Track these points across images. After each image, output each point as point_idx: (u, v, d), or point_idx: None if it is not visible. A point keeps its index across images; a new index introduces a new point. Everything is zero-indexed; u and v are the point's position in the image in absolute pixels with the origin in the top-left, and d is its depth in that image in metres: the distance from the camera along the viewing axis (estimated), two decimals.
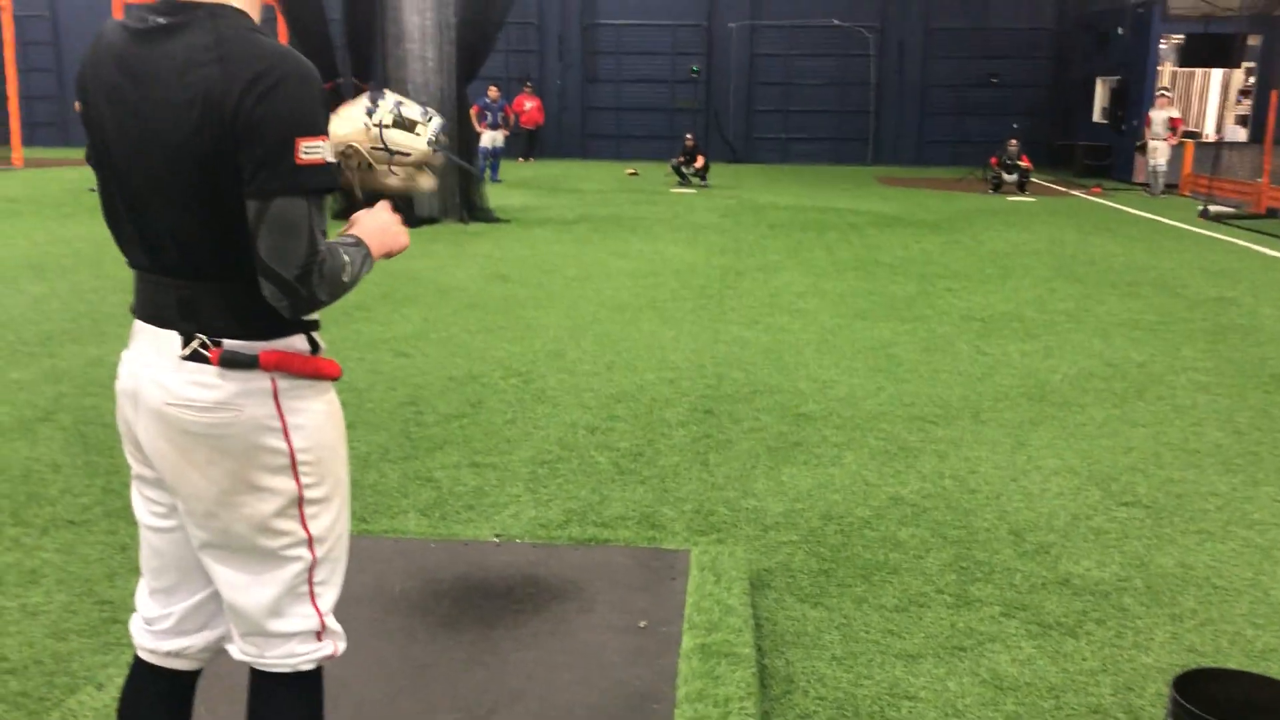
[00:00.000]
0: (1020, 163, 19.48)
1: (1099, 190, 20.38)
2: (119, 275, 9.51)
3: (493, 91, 21.26)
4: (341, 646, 1.98)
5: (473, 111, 21.04)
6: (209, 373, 1.75)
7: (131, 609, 2.83)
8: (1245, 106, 23.30)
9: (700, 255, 11.40)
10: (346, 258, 1.77)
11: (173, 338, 1.77)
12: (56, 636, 3.27)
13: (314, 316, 1.83)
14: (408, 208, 13.62)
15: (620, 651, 2.99)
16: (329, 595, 1.95)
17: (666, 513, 4.29)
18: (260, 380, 1.77)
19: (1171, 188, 19.81)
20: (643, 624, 3.16)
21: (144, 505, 1.98)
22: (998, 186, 19.76)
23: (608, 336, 7.41)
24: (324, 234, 1.74)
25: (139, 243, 1.81)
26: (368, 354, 6.81)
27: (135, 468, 1.95)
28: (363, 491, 4.44)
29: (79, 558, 3.83)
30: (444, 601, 3.29)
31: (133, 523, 4.04)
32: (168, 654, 1.99)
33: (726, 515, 4.28)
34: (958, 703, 2.97)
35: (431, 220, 13.78)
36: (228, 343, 1.75)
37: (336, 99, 11.95)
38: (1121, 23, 23.05)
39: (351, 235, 1.87)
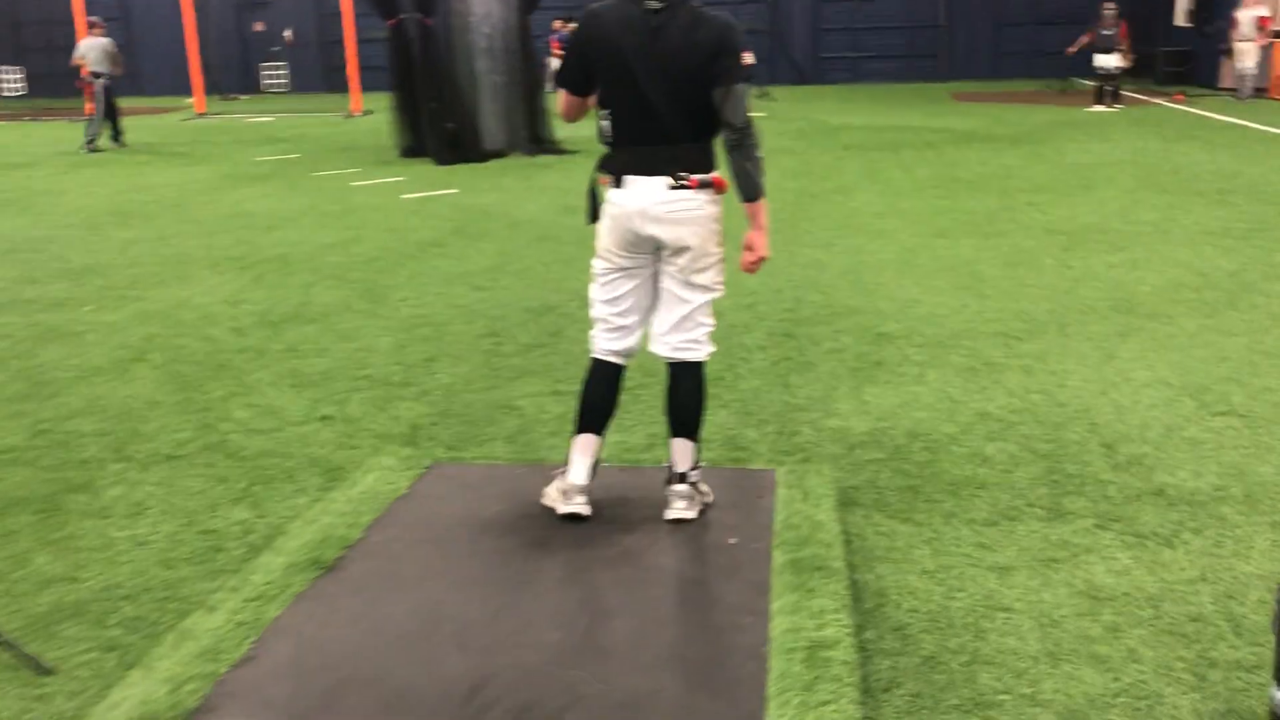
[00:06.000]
0: (1119, 37, 17.82)
1: (1181, 97, 19.64)
2: (201, 219, 9.70)
3: (565, 25, 21.09)
4: (713, 350, 3.44)
5: (554, 45, 21.16)
6: (689, 191, 3.21)
7: (233, 538, 3.58)
8: None
9: (772, 178, 11.13)
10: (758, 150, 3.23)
11: (662, 180, 3.19)
12: (165, 565, 3.39)
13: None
14: (474, 141, 13.63)
15: (712, 567, 3.02)
16: (712, 320, 3.43)
17: (750, 434, 4.29)
18: (714, 192, 3.26)
19: (1260, 91, 19.01)
20: (732, 541, 3.18)
21: (622, 279, 3.35)
22: (1101, 96, 18.24)
23: None
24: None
25: (647, 129, 3.17)
26: (445, 289, 6.87)
27: (619, 260, 3.32)
28: (450, 421, 4.52)
29: (181, 490, 3.95)
30: (535, 523, 3.34)
31: (230, 455, 4.18)
32: (614, 353, 3.42)
33: (811, 436, 4.27)
34: (1054, 613, 2.95)
35: (499, 154, 13.77)
36: (697, 176, 3.21)
37: (402, 36, 11.92)
38: None
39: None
